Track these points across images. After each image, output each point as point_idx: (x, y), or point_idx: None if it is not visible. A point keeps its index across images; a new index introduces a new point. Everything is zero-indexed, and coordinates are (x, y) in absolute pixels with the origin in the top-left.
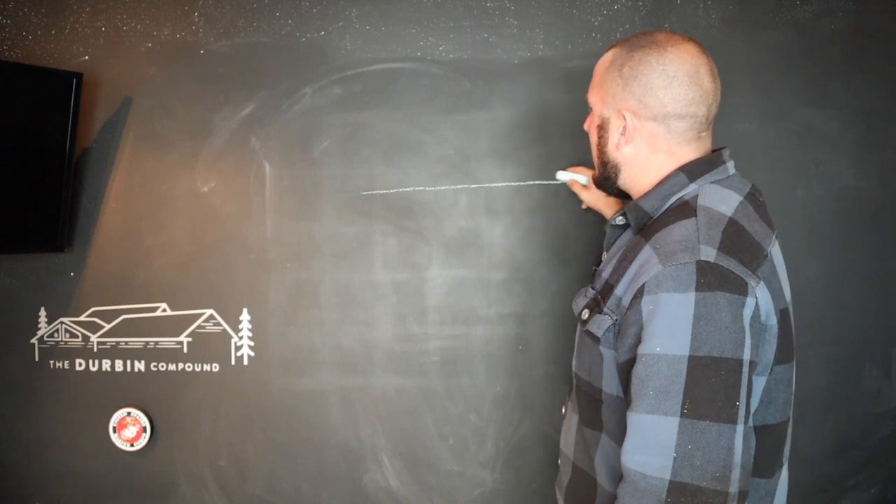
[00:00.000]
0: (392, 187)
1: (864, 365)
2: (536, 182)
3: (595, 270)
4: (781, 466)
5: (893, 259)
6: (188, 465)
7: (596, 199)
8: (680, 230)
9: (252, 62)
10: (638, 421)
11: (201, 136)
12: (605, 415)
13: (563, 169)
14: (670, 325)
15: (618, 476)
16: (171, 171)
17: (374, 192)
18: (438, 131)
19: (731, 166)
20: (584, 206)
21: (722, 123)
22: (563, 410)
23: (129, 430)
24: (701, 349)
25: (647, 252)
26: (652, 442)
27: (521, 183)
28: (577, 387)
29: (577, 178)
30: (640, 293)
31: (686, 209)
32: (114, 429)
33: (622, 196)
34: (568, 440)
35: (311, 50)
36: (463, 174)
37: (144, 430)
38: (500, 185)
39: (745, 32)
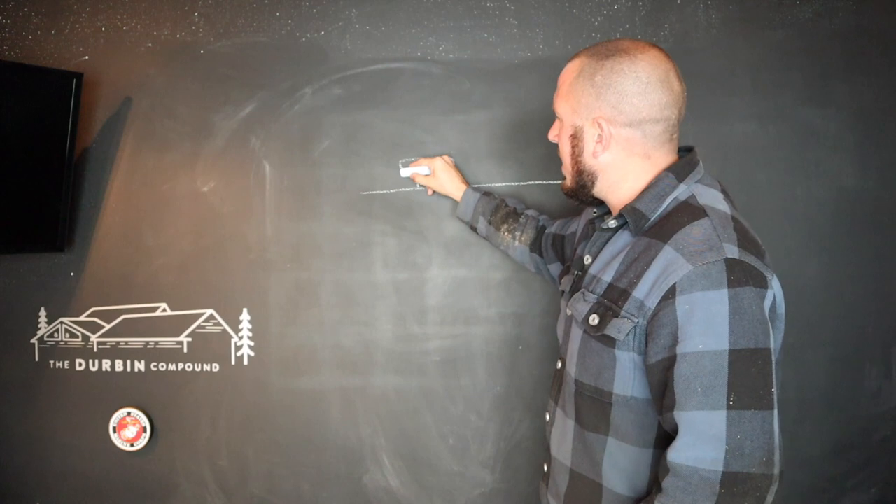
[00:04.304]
0: (392, 187)
1: (864, 365)
2: (536, 182)
3: (579, 276)
4: None
5: (893, 259)
6: (188, 465)
7: (441, 186)
8: (699, 230)
9: (252, 62)
10: (688, 419)
11: (201, 136)
12: (614, 417)
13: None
14: (709, 322)
15: (629, 477)
16: (171, 171)
17: (374, 192)
18: (438, 131)
19: (701, 164)
20: (430, 193)
21: (722, 123)
22: (548, 417)
23: (129, 430)
24: (739, 342)
25: (668, 253)
26: (704, 437)
27: (521, 183)
28: (577, 392)
29: (417, 170)
30: (671, 294)
31: (693, 210)
32: (114, 429)
33: (595, 204)
34: (563, 447)
35: (311, 50)
36: (463, 174)
37: (144, 430)
38: (500, 185)
39: (745, 32)
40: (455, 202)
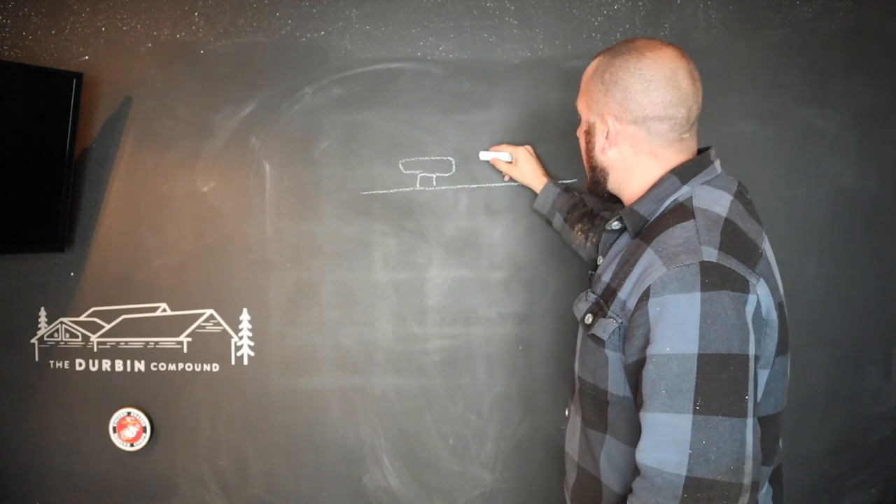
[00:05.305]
0: (392, 187)
1: (864, 365)
2: None
3: (592, 275)
4: (776, 454)
5: (893, 259)
6: (188, 465)
7: (521, 175)
8: (680, 232)
9: (252, 62)
10: (652, 420)
11: (201, 136)
12: (610, 416)
13: (485, 149)
14: (678, 325)
15: (623, 475)
16: (171, 171)
17: (374, 192)
18: (438, 131)
19: (717, 165)
20: (506, 179)
21: (722, 123)
22: (567, 413)
23: (129, 430)
24: (709, 347)
25: (649, 255)
26: (667, 440)
27: (522, 183)
28: (580, 390)
29: (498, 156)
30: (645, 296)
31: (683, 211)
32: (114, 429)
33: (613, 200)
34: (573, 442)
35: (311, 50)
36: (463, 174)
37: (144, 430)
38: (500, 185)
39: (745, 32)
40: (509, 193)
